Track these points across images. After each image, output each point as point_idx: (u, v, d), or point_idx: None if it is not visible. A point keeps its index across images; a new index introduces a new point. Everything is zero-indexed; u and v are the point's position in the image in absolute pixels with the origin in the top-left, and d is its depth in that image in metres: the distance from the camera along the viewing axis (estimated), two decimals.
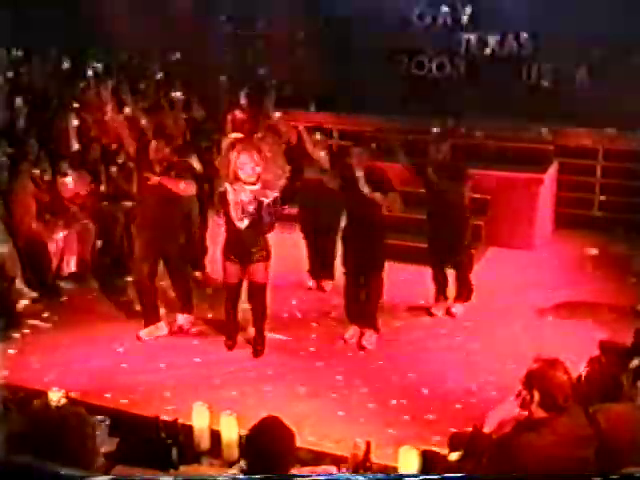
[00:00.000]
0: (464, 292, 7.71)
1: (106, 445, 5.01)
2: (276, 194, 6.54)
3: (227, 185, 6.58)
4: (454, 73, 10.99)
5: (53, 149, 8.94)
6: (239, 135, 10.17)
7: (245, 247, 6.59)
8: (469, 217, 7.61)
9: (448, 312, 7.63)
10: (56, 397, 5.36)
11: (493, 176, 9.30)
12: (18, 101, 9.90)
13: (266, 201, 6.43)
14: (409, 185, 7.74)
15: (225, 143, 6.80)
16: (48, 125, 9.53)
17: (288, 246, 8.15)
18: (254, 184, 6.47)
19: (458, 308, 7.66)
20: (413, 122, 10.12)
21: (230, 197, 6.52)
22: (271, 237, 6.74)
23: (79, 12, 11.74)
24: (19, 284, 7.67)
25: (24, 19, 11.44)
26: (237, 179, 6.49)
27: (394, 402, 6.15)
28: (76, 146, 9.43)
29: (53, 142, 9.18)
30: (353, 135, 10.55)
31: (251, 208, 6.44)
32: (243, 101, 10.23)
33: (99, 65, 11.65)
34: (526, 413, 3.75)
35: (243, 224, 6.50)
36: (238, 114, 10.19)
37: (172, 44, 11.79)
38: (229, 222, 6.59)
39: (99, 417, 5.08)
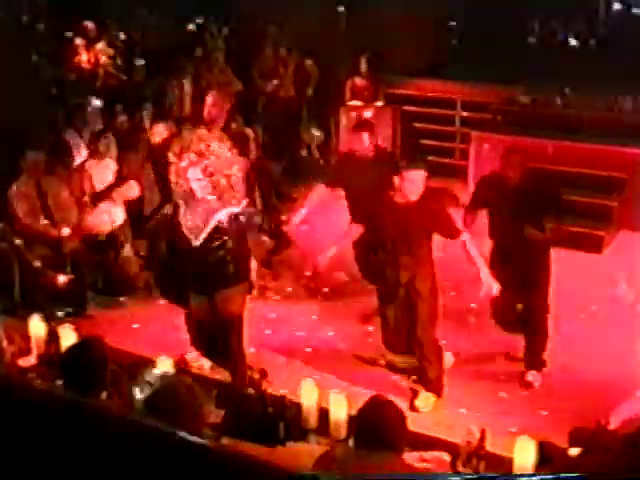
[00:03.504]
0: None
1: (213, 416, 5.16)
2: (243, 204, 5.77)
3: (180, 202, 5.84)
4: (591, 41, 10.64)
5: (167, 114, 9.21)
6: (358, 103, 10.23)
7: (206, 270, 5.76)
8: None
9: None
10: (165, 365, 5.54)
11: (633, 154, 8.99)
12: (136, 64, 10.25)
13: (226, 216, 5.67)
14: None
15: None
16: (163, 89, 9.81)
17: None
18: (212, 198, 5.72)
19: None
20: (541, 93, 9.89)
21: (182, 216, 5.80)
22: None
23: None
24: (128, 251, 7.92)
25: None
26: (192, 196, 5.73)
27: (512, 391, 6.12)
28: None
29: (168, 107, 9.44)
30: (478, 106, 10.44)
31: (212, 224, 5.69)
32: (363, 67, 10.19)
33: (215, 30, 11.87)
34: None
35: (199, 241, 5.74)
36: (358, 81, 10.19)
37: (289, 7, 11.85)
38: (181, 243, 5.81)
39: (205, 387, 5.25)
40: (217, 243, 5.69)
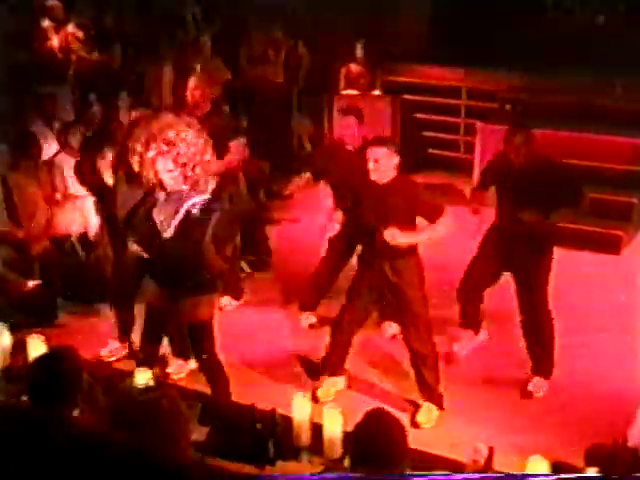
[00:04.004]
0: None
1: (195, 434, 5.15)
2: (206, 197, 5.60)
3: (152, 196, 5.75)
4: (610, 20, 10.58)
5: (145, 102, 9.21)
6: (353, 92, 10.24)
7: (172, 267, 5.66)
8: None
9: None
10: (143, 378, 5.52)
11: None
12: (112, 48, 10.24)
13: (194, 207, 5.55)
14: None
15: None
16: (141, 76, 9.81)
17: None
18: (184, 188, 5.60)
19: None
20: (557, 81, 9.89)
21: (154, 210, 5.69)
22: None
23: None
24: (103, 251, 7.88)
25: None
26: (162, 187, 5.62)
27: (520, 404, 6.13)
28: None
29: (146, 94, 9.43)
30: (484, 94, 10.45)
31: (178, 216, 5.57)
32: (359, 53, 10.20)
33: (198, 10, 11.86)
34: None
35: (168, 233, 5.63)
36: (353, 68, 10.20)
37: None
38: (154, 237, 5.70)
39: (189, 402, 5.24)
40: (188, 236, 5.55)
